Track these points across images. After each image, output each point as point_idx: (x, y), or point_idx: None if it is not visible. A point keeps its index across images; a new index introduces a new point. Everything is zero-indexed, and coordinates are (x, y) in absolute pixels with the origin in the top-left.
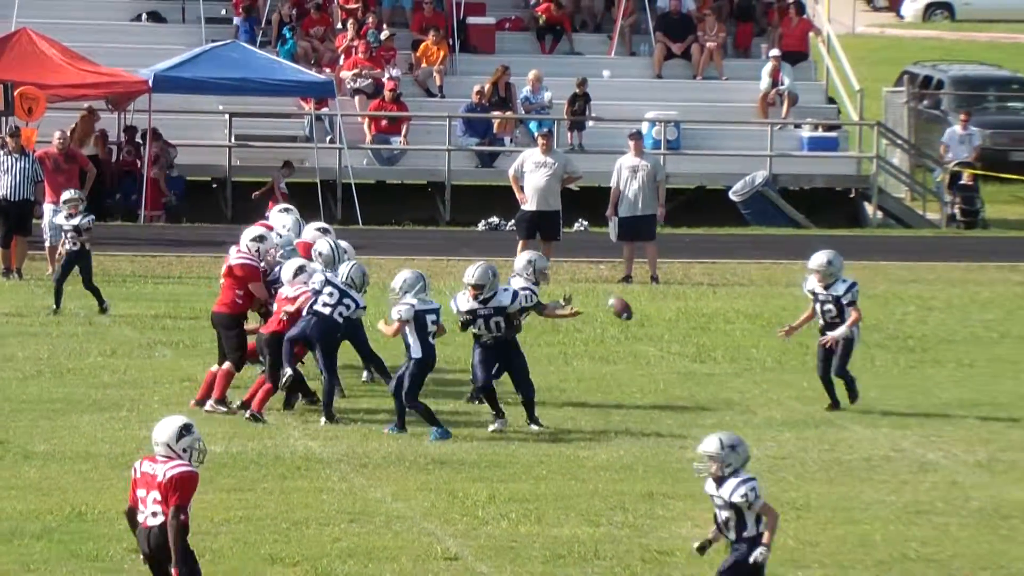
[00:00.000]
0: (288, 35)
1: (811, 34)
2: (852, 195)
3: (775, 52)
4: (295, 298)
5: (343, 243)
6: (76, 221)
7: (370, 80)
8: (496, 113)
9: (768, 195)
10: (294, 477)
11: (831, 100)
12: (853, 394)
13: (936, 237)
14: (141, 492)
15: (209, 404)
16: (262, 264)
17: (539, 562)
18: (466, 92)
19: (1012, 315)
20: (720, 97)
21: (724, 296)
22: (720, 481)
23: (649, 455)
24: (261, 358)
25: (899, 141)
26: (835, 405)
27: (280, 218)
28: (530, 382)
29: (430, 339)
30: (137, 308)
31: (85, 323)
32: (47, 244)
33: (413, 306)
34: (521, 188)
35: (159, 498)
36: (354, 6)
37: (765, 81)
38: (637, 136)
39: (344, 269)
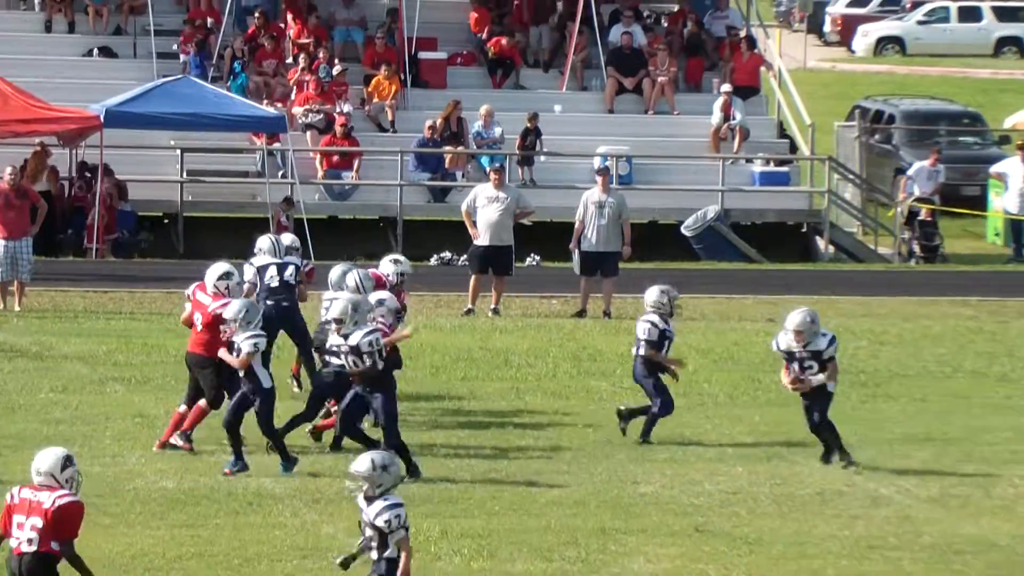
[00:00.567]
0: (239, 69)
1: (762, 69)
2: (804, 230)
3: (727, 87)
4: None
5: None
6: None
7: (322, 115)
8: (448, 148)
9: (720, 230)
10: (246, 513)
11: (783, 135)
12: (830, 450)
13: (888, 271)
14: (19, 518)
15: (175, 436)
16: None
17: None
18: (418, 127)
19: (964, 349)
20: (672, 132)
21: (677, 331)
22: (370, 500)
23: (602, 490)
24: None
25: (851, 176)
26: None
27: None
28: (393, 430)
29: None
30: (88, 344)
31: (36, 359)
32: (1, 280)
33: (264, 338)
34: (474, 223)
35: (39, 525)
36: (305, 41)
37: (717, 116)
38: (604, 172)
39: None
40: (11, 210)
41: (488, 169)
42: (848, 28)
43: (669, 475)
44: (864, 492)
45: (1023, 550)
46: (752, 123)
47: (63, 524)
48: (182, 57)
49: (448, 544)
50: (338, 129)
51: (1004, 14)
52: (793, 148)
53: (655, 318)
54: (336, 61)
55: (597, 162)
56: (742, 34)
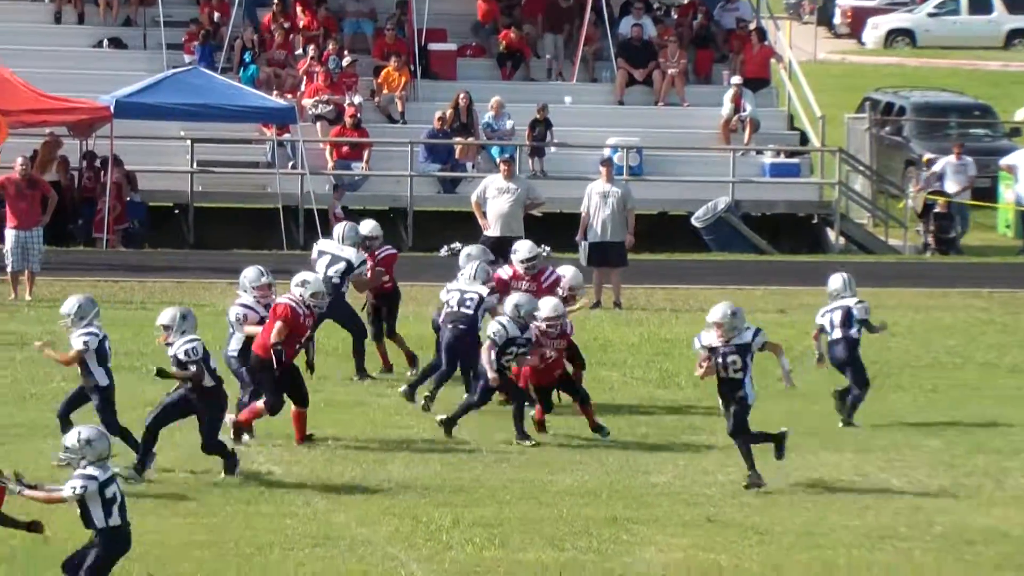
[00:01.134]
0: (249, 60)
1: (772, 61)
2: (814, 221)
3: (737, 79)
4: None
5: None
6: None
7: (331, 106)
8: (458, 139)
9: (730, 221)
10: (258, 502)
11: (793, 127)
12: (779, 448)
13: (899, 263)
14: None
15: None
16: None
17: None
18: (428, 118)
19: (974, 340)
20: (682, 123)
21: (687, 321)
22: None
23: (614, 480)
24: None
25: (861, 167)
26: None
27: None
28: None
29: (109, 365)
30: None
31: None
32: (9, 269)
33: (96, 335)
34: (484, 214)
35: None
36: (315, 32)
37: (727, 107)
38: (608, 163)
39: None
40: (22, 200)
41: (498, 160)
42: (858, 20)
43: (681, 465)
44: (875, 482)
45: None
46: (762, 115)
47: None
48: (187, 57)
49: (460, 533)
50: (348, 120)
51: (1015, 6)
52: (804, 140)
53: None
54: (346, 52)
55: (607, 153)
56: (752, 26)
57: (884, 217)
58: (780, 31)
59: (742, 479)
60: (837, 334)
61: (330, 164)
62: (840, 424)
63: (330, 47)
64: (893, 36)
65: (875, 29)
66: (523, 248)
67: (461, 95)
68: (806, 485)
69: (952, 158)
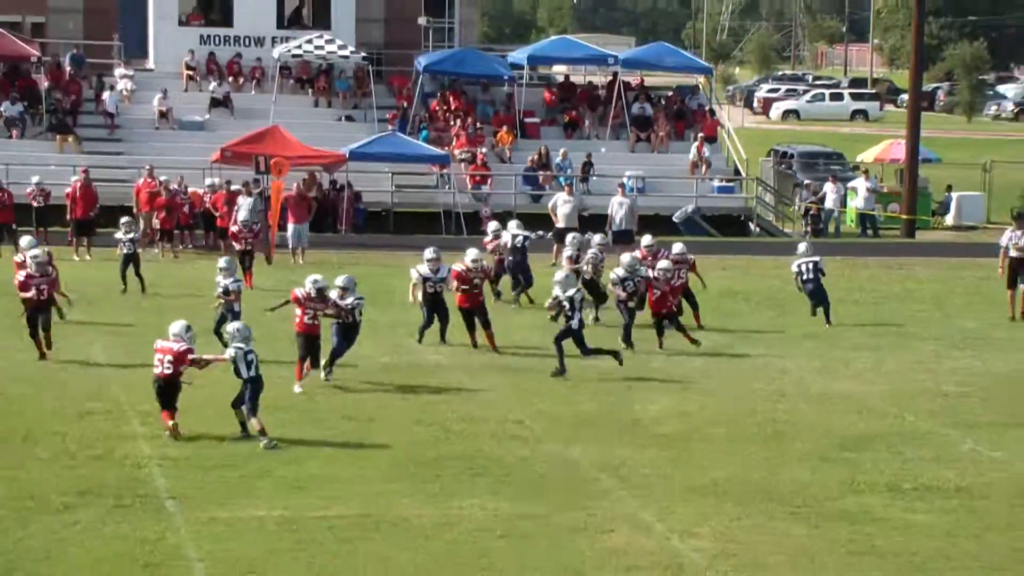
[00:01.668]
0: (423, 128)
1: (719, 127)
2: (742, 218)
3: (699, 138)
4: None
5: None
6: (131, 235)
7: (469, 154)
8: (541, 172)
9: (695, 218)
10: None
11: (730, 164)
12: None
13: (789, 242)
14: (159, 356)
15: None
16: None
17: None
18: (523, 160)
19: (833, 283)
20: (667, 163)
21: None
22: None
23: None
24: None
25: (769, 188)
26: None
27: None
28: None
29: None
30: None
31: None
32: (290, 247)
33: (360, 301)
34: (555, 214)
35: (171, 359)
36: (460, 111)
37: (692, 154)
38: (622, 185)
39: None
40: (298, 207)
41: (563, 184)
42: (767, 104)
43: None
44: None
45: None
46: (713, 158)
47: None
48: (389, 127)
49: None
50: (479, 161)
51: (856, 97)
52: (737, 172)
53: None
54: (478, 123)
55: (624, 180)
56: (707, 107)
57: (781, 216)
58: (722, 110)
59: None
60: (811, 275)
61: (469, 186)
62: (826, 326)
63: (468, 120)
64: (787, 113)
65: (776, 109)
66: (646, 239)
67: (542, 148)
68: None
69: (830, 184)
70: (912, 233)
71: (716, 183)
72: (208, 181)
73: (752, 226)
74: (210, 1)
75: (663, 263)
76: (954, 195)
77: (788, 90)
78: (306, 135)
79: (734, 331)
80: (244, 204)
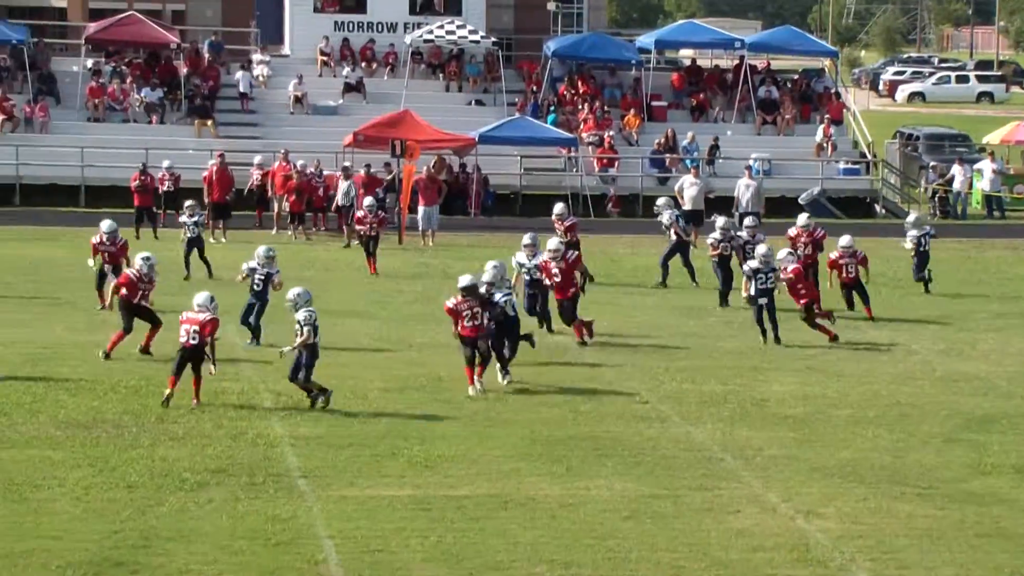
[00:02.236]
0: (552, 111)
1: (845, 110)
2: (868, 200)
3: (826, 119)
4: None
5: None
6: (195, 219)
7: (597, 137)
8: (668, 155)
9: (820, 200)
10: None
11: (856, 147)
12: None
13: None
14: (187, 327)
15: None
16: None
17: None
18: (650, 143)
19: (958, 268)
20: (793, 145)
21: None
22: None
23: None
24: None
25: (894, 170)
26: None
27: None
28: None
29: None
30: (471, 265)
31: (440, 275)
32: (420, 229)
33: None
34: (682, 196)
35: (197, 330)
36: (588, 95)
37: (819, 136)
38: (749, 168)
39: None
40: (428, 190)
41: (690, 167)
42: (893, 87)
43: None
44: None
45: None
46: (839, 141)
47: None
48: (516, 112)
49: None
50: (606, 144)
51: (982, 78)
52: (863, 154)
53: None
54: (605, 107)
55: (750, 163)
56: (833, 90)
57: (907, 198)
58: (849, 93)
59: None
60: (926, 246)
61: (596, 169)
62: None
63: (596, 104)
64: (913, 96)
65: (902, 92)
66: (801, 218)
67: (669, 130)
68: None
69: (958, 167)
70: None
71: (842, 165)
72: (346, 163)
73: (878, 208)
74: None
75: (845, 240)
76: None
77: (914, 72)
78: (437, 119)
79: (859, 313)
80: (340, 188)
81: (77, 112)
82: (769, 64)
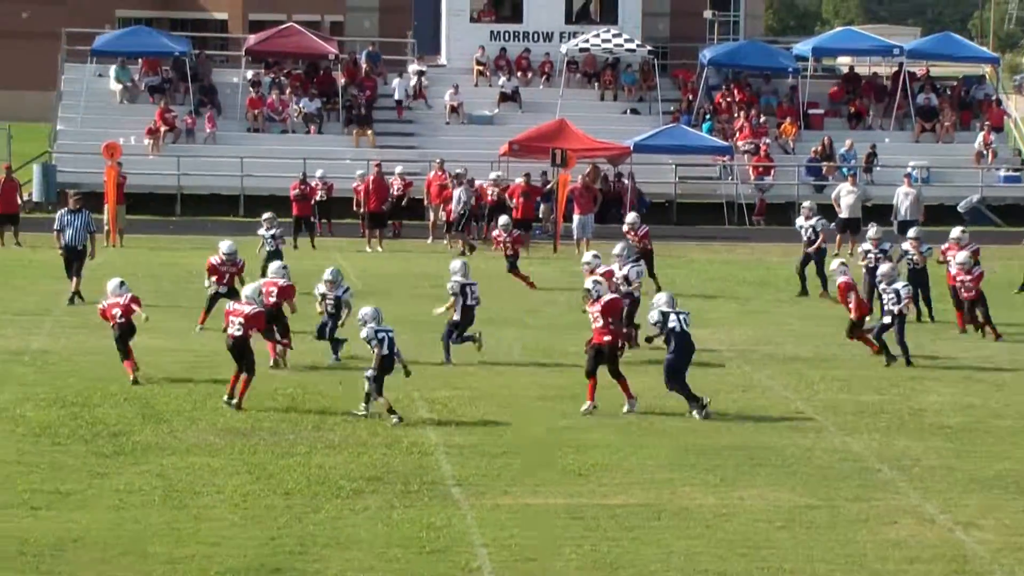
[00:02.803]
0: (707, 119)
1: (1005, 117)
2: None
3: (986, 126)
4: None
5: None
6: (273, 232)
7: (753, 144)
8: (824, 163)
9: (980, 208)
10: None
11: (1018, 154)
12: None
13: None
14: (232, 319)
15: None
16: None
17: None
18: (806, 151)
19: None
20: (952, 153)
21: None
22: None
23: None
24: None
25: None
26: None
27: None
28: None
29: None
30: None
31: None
32: (575, 237)
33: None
34: (838, 205)
35: (242, 320)
36: (744, 103)
37: (978, 143)
38: (908, 176)
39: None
40: (583, 198)
41: (847, 175)
42: None
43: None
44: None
45: None
46: (1000, 148)
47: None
48: (672, 122)
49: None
50: (762, 152)
51: None
52: (1023, 162)
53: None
54: (761, 116)
55: (909, 171)
56: (994, 97)
57: None
58: (1009, 100)
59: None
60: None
61: (752, 177)
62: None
63: (752, 112)
64: None
65: None
66: (954, 231)
67: (826, 138)
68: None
69: None
70: None
71: (1002, 173)
72: (492, 174)
73: None
74: None
75: (962, 257)
76: None
77: None
78: (592, 128)
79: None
80: (455, 196)
81: (237, 123)
82: (928, 71)
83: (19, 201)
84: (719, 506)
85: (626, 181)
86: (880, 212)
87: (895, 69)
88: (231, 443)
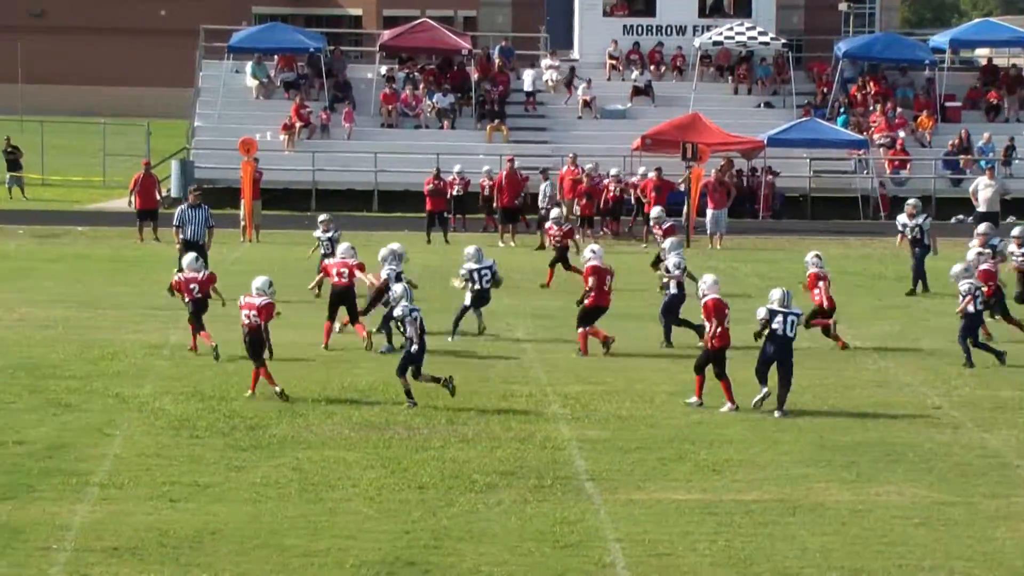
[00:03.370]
0: (842, 113)
1: None
2: None
3: None
4: None
5: None
6: (330, 234)
7: (889, 138)
8: (961, 156)
9: None
10: None
11: None
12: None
13: None
14: (245, 311)
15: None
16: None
17: None
18: (943, 144)
19: None
20: None
21: None
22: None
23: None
24: None
25: None
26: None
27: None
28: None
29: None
30: (761, 266)
31: (727, 275)
32: (708, 232)
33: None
34: (976, 198)
35: (255, 312)
36: (880, 96)
37: None
38: (991, 168)
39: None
40: (717, 192)
41: (985, 168)
42: None
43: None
44: None
45: None
46: None
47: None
48: (804, 116)
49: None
50: (898, 146)
51: None
52: None
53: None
54: (898, 108)
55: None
56: None
57: None
58: None
59: None
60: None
61: (887, 171)
62: None
63: (888, 105)
64: None
65: None
66: (1016, 229)
67: (963, 131)
68: None
69: None
70: None
71: None
72: (612, 170)
73: None
74: None
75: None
76: None
77: None
78: (725, 122)
79: None
80: (541, 190)
81: (371, 118)
82: None
83: (158, 197)
84: (855, 502)
85: (760, 175)
86: (1018, 206)
87: None
88: (366, 437)
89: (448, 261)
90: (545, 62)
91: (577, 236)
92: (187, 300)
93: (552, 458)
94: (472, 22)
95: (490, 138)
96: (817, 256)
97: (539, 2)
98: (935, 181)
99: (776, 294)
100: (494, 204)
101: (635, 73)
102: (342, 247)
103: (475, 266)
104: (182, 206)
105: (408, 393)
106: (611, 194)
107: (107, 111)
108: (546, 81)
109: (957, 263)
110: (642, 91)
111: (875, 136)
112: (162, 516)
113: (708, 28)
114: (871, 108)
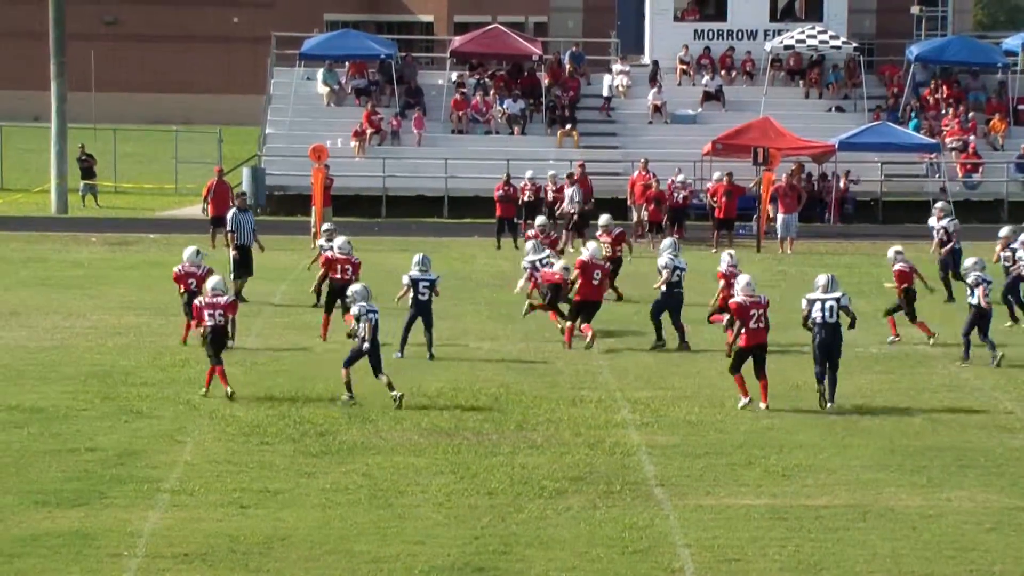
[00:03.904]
0: (914, 116)
1: None
2: None
3: None
4: None
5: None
6: (336, 242)
7: (961, 142)
8: None
9: None
10: None
11: None
12: None
13: None
14: (209, 311)
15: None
16: None
17: None
18: (1016, 148)
19: None
20: None
21: None
22: None
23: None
24: None
25: None
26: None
27: None
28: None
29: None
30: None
31: (796, 280)
32: (780, 235)
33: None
34: None
35: (221, 311)
36: (952, 100)
37: None
38: None
39: None
40: (788, 197)
41: None
42: None
43: None
44: None
45: None
46: None
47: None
48: (874, 120)
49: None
50: (970, 149)
51: None
52: None
53: None
54: (970, 111)
55: None
56: None
57: None
58: None
59: None
60: None
61: (959, 175)
62: None
63: (960, 108)
64: None
65: None
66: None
67: None
68: None
69: None
70: None
71: None
72: (678, 177)
73: None
74: None
75: None
76: None
77: None
78: (796, 126)
79: None
80: (567, 194)
81: (442, 124)
82: None
83: (231, 204)
84: (926, 507)
85: (831, 180)
86: None
87: None
88: (435, 443)
89: (517, 267)
90: (616, 67)
91: (560, 243)
92: (183, 291)
93: (621, 463)
94: (543, 28)
95: (560, 144)
96: (898, 252)
97: (610, 7)
98: (1007, 185)
99: (821, 280)
100: (555, 210)
101: (706, 78)
102: (339, 240)
103: (416, 275)
104: (233, 210)
105: (348, 386)
106: (676, 200)
107: (179, 118)
108: (616, 86)
109: (969, 257)
110: (713, 96)
111: (947, 140)
112: (232, 522)
113: (779, 32)
114: (943, 112)
